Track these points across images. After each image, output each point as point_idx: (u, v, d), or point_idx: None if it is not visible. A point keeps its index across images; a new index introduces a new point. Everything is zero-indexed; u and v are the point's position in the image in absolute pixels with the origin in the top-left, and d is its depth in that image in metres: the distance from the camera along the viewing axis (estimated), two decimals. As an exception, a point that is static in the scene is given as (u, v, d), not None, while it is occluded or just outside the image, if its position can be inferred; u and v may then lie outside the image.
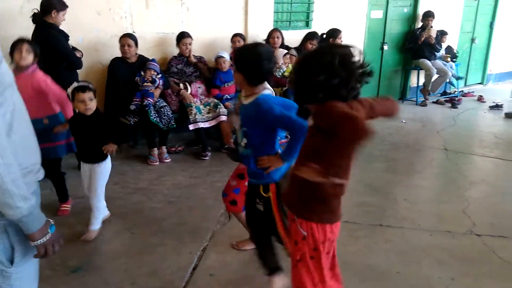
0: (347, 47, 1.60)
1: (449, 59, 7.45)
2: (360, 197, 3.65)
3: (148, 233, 3.08)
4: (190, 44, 4.77)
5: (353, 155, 1.66)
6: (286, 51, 5.19)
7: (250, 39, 5.44)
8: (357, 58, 1.58)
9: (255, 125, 2.04)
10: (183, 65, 4.84)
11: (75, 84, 2.85)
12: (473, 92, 8.22)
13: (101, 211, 3.03)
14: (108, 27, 4.56)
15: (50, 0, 3.75)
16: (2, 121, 1.21)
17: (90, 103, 2.81)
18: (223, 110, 4.63)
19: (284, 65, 5.03)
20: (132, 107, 4.31)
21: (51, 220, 1.37)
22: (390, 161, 4.67)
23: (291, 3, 6.02)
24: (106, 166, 2.97)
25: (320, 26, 5.95)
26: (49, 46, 3.62)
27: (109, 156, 2.98)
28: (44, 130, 3.14)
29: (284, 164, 2.07)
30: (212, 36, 5.28)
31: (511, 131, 5.91)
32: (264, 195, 2.13)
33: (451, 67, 7.38)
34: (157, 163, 4.41)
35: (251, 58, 2.01)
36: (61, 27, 3.86)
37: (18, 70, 3.07)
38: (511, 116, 6.55)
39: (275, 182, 2.13)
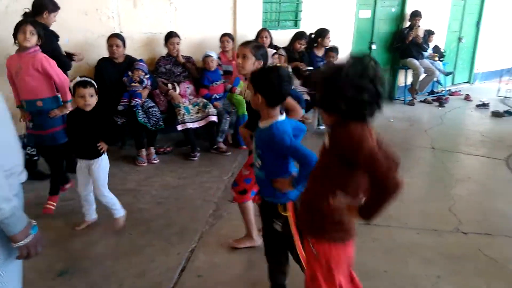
0: (378, 64, 1.56)
1: (436, 58, 7.52)
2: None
3: (136, 234, 3.07)
4: (178, 44, 4.75)
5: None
6: (274, 50, 5.20)
7: (238, 39, 5.43)
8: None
9: (268, 150, 2.08)
10: (172, 65, 4.82)
11: (77, 79, 2.89)
12: (460, 91, 8.32)
13: (113, 200, 3.05)
14: (95, 27, 4.52)
15: (43, 1, 3.74)
16: None
17: (90, 99, 2.86)
18: (212, 110, 4.63)
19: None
20: (120, 107, 4.28)
21: (33, 221, 1.37)
22: (378, 160, 4.69)
23: (280, 3, 6.03)
24: (103, 162, 3.00)
25: (308, 26, 5.97)
26: (40, 46, 3.60)
27: (105, 152, 3.01)
28: (38, 114, 3.27)
29: (294, 189, 2.09)
30: (201, 36, 5.27)
31: (497, 130, 5.99)
32: (282, 213, 2.15)
33: (438, 66, 7.45)
34: (146, 164, 4.38)
35: (273, 80, 2.03)
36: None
37: (21, 50, 3.19)
38: (497, 115, 6.64)
39: (293, 201, 2.14)
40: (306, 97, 5.07)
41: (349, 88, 1.49)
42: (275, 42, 5.47)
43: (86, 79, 2.90)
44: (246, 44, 2.65)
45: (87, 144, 2.93)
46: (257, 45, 2.67)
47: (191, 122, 4.57)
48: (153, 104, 4.50)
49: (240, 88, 5.07)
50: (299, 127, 2.23)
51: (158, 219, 3.28)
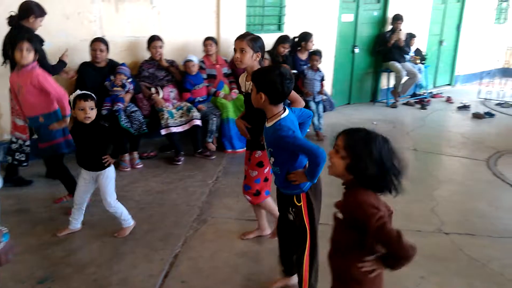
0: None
1: (418, 61, 7.63)
2: (332, 199, 3.65)
3: (119, 241, 3.03)
4: (160, 48, 4.72)
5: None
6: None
7: (222, 43, 5.44)
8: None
9: (277, 147, 2.12)
10: (155, 69, 4.78)
11: (77, 92, 2.93)
12: (441, 93, 8.44)
13: (121, 210, 3.06)
14: (77, 31, 4.46)
15: (30, 5, 3.68)
16: None
17: (90, 112, 2.89)
18: (196, 114, 4.61)
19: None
20: (104, 112, 4.23)
21: (4, 229, 1.34)
22: (362, 162, 4.72)
23: (263, 7, 6.04)
24: (109, 174, 3.01)
25: (292, 30, 5.99)
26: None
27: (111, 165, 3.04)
28: (40, 128, 3.32)
29: (309, 181, 2.13)
30: (184, 39, 5.24)
31: (478, 131, 6.09)
32: (297, 204, 2.21)
33: (419, 69, 7.55)
34: (129, 169, 4.34)
35: (275, 79, 2.05)
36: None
37: (19, 67, 3.23)
38: (478, 116, 6.76)
39: (306, 192, 2.20)
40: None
41: (387, 161, 1.61)
42: (259, 46, 5.46)
43: (86, 92, 2.93)
44: (242, 37, 2.63)
45: (92, 157, 2.95)
46: (253, 37, 2.65)
47: (175, 126, 4.54)
48: (136, 109, 4.46)
49: (223, 91, 5.06)
50: (305, 114, 2.33)
51: (142, 224, 3.24)
